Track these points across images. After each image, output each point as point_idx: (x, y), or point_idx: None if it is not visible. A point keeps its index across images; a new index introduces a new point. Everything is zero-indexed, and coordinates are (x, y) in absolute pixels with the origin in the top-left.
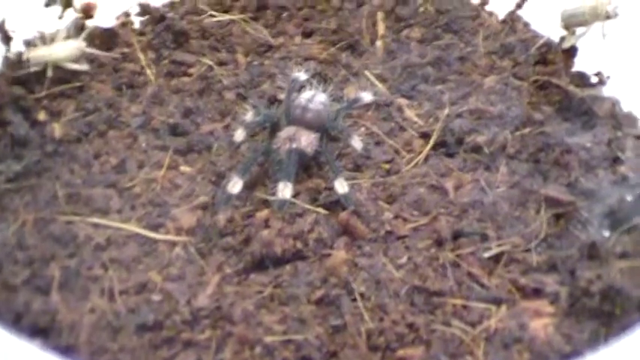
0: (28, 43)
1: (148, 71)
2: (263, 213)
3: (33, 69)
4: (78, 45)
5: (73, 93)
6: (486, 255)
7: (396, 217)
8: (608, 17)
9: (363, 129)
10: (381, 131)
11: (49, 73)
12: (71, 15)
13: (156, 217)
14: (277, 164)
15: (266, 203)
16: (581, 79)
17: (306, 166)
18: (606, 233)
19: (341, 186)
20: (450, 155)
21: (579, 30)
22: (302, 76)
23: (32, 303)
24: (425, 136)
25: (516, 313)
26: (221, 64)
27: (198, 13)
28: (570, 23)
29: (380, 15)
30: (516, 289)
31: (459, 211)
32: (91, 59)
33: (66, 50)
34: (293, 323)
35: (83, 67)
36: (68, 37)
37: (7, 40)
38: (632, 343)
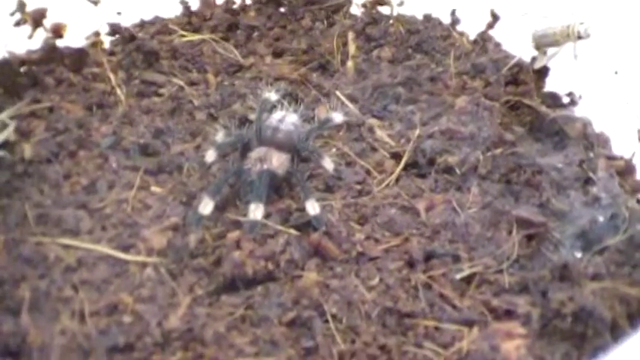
0: None
1: (119, 91)
2: (234, 234)
3: None
4: None
5: (44, 113)
6: (458, 276)
7: (368, 238)
8: (579, 37)
9: (334, 150)
10: (353, 152)
11: None
12: (41, 35)
13: (127, 238)
14: (248, 185)
15: (237, 224)
16: (553, 100)
17: (277, 187)
18: (578, 254)
19: (312, 207)
20: (422, 176)
21: (551, 50)
22: (273, 96)
23: (2, 324)
24: (396, 156)
25: (488, 335)
26: (192, 84)
27: (169, 33)
28: (542, 43)
29: (351, 35)
30: (488, 311)
31: (430, 232)
32: (60, 79)
33: None
34: (264, 345)
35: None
36: None
37: None
38: None
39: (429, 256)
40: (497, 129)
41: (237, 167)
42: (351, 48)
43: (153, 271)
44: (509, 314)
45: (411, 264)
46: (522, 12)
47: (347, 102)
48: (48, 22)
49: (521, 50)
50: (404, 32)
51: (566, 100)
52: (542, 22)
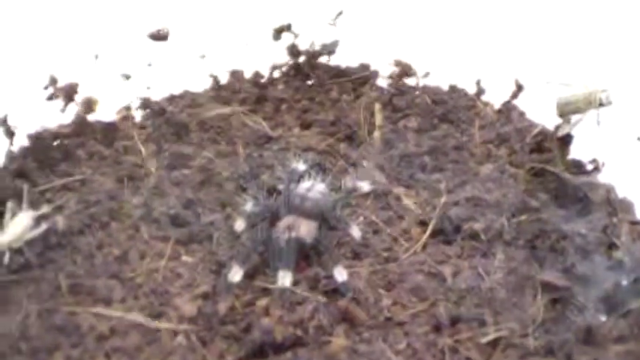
0: None
1: (149, 163)
2: (263, 301)
3: None
4: (26, 217)
5: (76, 186)
6: (484, 340)
7: (395, 303)
8: (601, 105)
9: (361, 218)
10: (380, 220)
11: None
12: (73, 109)
13: (158, 306)
14: (277, 253)
15: (266, 291)
16: (577, 167)
17: (306, 255)
18: (602, 318)
19: (340, 274)
20: (448, 242)
21: (574, 118)
22: (301, 166)
23: None
24: (423, 224)
25: None
26: (221, 155)
27: (198, 105)
28: (565, 111)
29: (377, 106)
30: None
31: (456, 297)
32: (92, 152)
33: (19, 228)
34: None
35: (40, 230)
36: (13, 214)
37: (10, 134)
38: None
39: (455, 321)
40: (521, 196)
41: (266, 236)
42: (378, 118)
43: (184, 338)
44: None
45: (437, 328)
46: (545, 80)
47: (374, 171)
48: (79, 97)
49: (545, 118)
50: (430, 102)
51: (589, 166)
52: (565, 90)
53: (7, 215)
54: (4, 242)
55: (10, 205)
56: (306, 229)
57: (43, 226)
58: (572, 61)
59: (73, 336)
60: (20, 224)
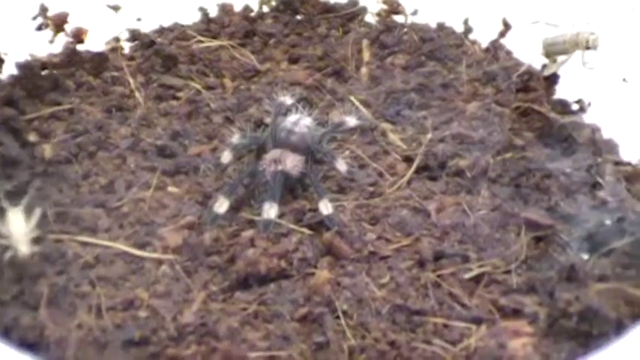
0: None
1: (137, 94)
2: (248, 233)
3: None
4: (16, 214)
5: (63, 115)
6: (467, 276)
7: (379, 237)
8: (588, 48)
9: (347, 152)
10: (365, 155)
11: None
12: (62, 39)
13: (143, 236)
14: (263, 185)
15: (251, 223)
16: (562, 107)
17: (291, 188)
18: (585, 256)
19: (325, 207)
20: (433, 179)
21: (560, 58)
22: (288, 100)
23: (21, 318)
24: (408, 159)
25: (496, 333)
26: (209, 88)
27: (187, 38)
28: (552, 51)
29: (365, 42)
30: (496, 309)
31: (440, 232)
32: (80, 82)
33: (20, 226)
34: (277, 340)
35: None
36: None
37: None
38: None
39: (438, 256)
40: (507, 134)
41: (252, 168)
42: (366, 55)
43: (168, 267)
44: (516, 313)
45: (421, 263)
46: (533, 20)
47: (360, 107)
48: (69, 27)
49: (532, 58)
50: (417, 40)
51: (575, 107)
52: (553, 31)
53: None
54: (24, 246)
55: None
56: (292, 163)
57: (38, 212)
58: (559, 1)
59: (58, 264)
60: (17, 222)
